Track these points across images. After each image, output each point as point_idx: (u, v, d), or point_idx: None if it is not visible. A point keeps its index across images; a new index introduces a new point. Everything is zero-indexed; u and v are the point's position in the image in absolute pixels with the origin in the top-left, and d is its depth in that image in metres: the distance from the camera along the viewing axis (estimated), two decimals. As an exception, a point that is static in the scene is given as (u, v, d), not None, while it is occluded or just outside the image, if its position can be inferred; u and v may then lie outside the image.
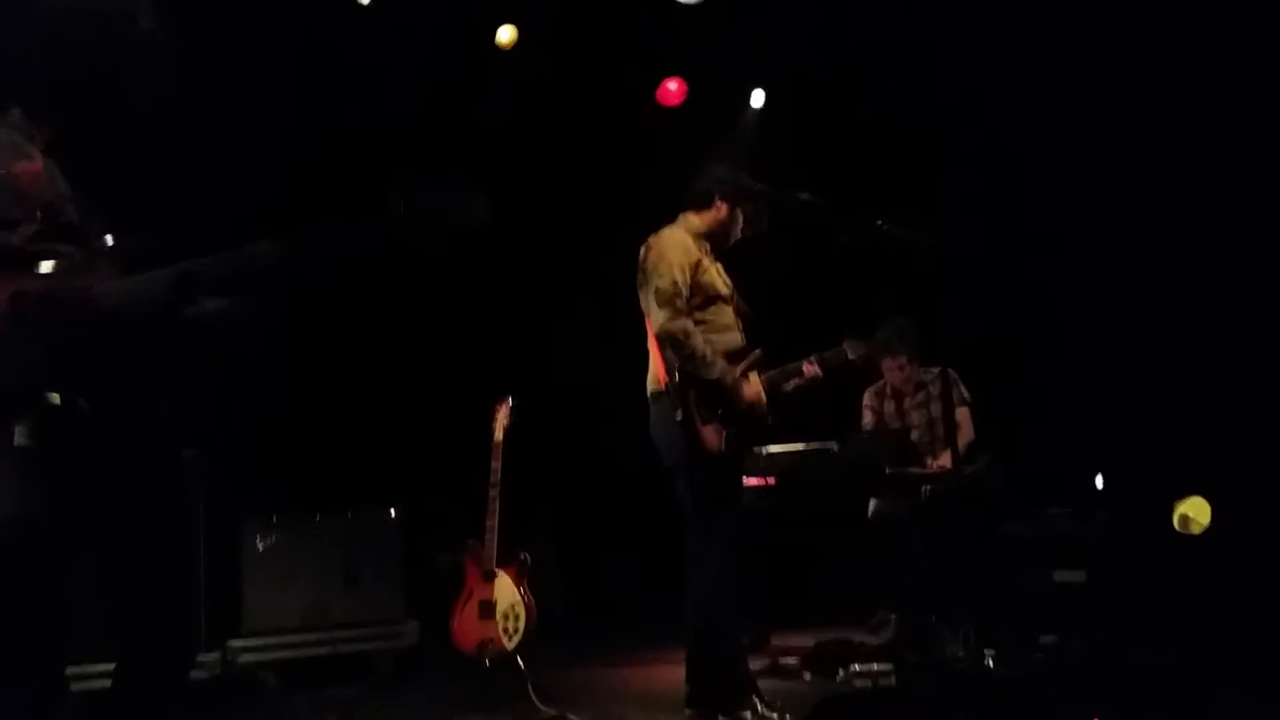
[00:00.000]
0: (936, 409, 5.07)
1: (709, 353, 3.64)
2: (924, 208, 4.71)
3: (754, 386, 3.77)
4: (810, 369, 4.08)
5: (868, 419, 5.28)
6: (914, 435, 5.10)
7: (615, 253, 4.17)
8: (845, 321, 4.47)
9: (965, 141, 6.08)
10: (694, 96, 6.44)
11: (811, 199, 3.81)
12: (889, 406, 5.22)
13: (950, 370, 5.01)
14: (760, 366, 3.85)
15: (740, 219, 3.93)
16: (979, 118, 5.99)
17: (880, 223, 3.79)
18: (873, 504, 5.01)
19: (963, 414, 5.06)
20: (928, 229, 3.57)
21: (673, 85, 6.42)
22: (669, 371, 3.67)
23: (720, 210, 3.90)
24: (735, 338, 3.83)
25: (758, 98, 6.60)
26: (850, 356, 4.27)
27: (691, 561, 3.69)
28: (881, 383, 5.25)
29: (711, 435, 3.62)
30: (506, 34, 5.89)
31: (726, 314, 3.84)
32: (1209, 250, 5.37)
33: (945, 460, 4.86)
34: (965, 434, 5.00)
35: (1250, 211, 5.20)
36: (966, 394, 5.08)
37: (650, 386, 3.83)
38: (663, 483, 3.87)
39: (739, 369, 3.73)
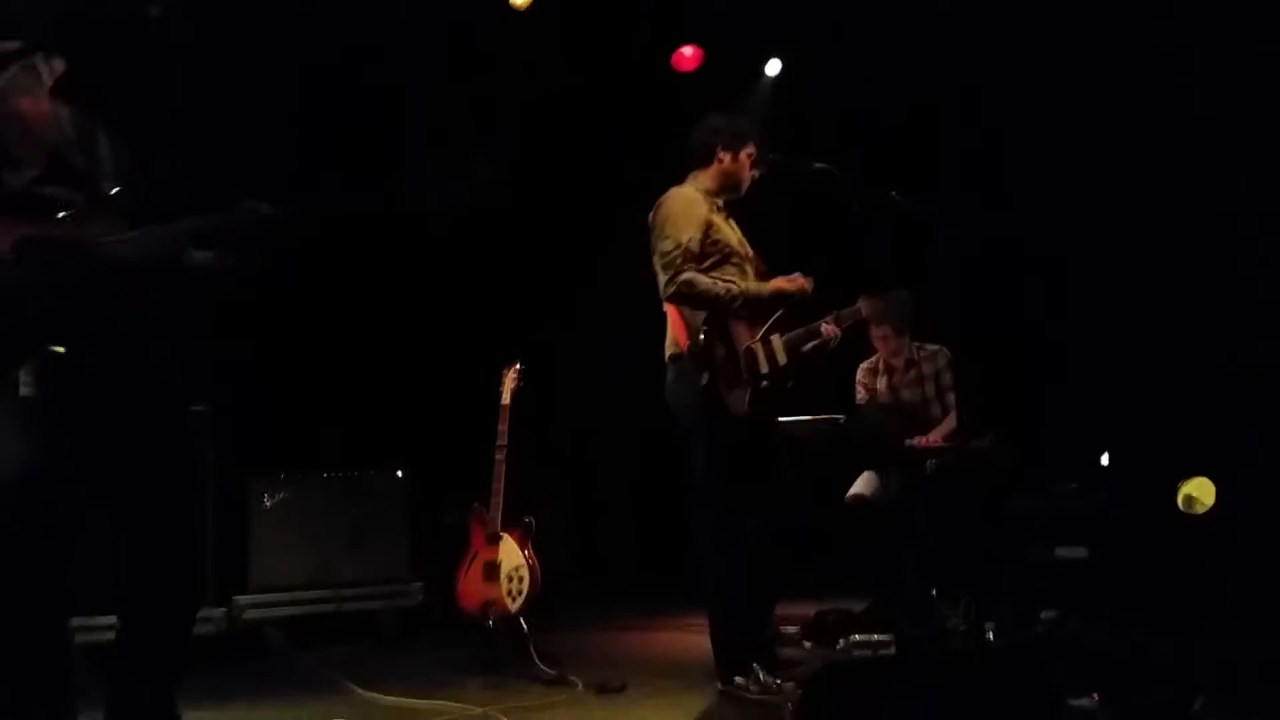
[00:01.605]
0: (930, 388, 5.06)
1: (720, 289, 3.61)
2: (934, 181, 4.69)
3: (776, 347, 3.73)
4: (829, 329, 3.97)
5: (860, 394, 5.25)
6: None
7: (624, 216, 4.16)
8: (851, 292, 4.45)
9: (979, 116, 6.03)
10: (709, 63, 6.39)
11: (824, 167, 3.80)
12: (880, 383, 5.19)
13: (945, 350, 5.03)
14: (782, 327, 3.80)
15: (746, 163, 3.88)
16: (990, 93, 5.94)
17: (893, 193, 3.78)
18: (863, 482, 4.99)
19: (950, 399, 5.04)
20: (937, 202, 3.56)
21: (688, 51, 6.36)
22: (691, 335, 3.64)
23: (723, 161, 3.86)
24: None
25: (773, 66, 6.54)
26: (865, 314, 4.17)
27: (700, 528, 3.69)
28: (875, 358, 5.22)
29: (735, 401, 3.60)
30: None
31: (744, 273, 3.79)
32: (1219, 226, 5.33)
33: (934, 438, 4.87)
34: (951, 419, 4.99)
35: (1257, 192, 5.16)
36: (954, 378, 5.05)
37: (669, 349, 3.79)
38: (672, 447, 3.86)
39: (759, 330, 3.70)
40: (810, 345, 3.97)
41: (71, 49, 2.27)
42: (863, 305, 4.19)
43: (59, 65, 2.26)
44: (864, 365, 5.25)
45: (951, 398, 5.03)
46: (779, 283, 3.77)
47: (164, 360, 2.34)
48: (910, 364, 5.12)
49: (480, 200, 2.25)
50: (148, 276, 2.22)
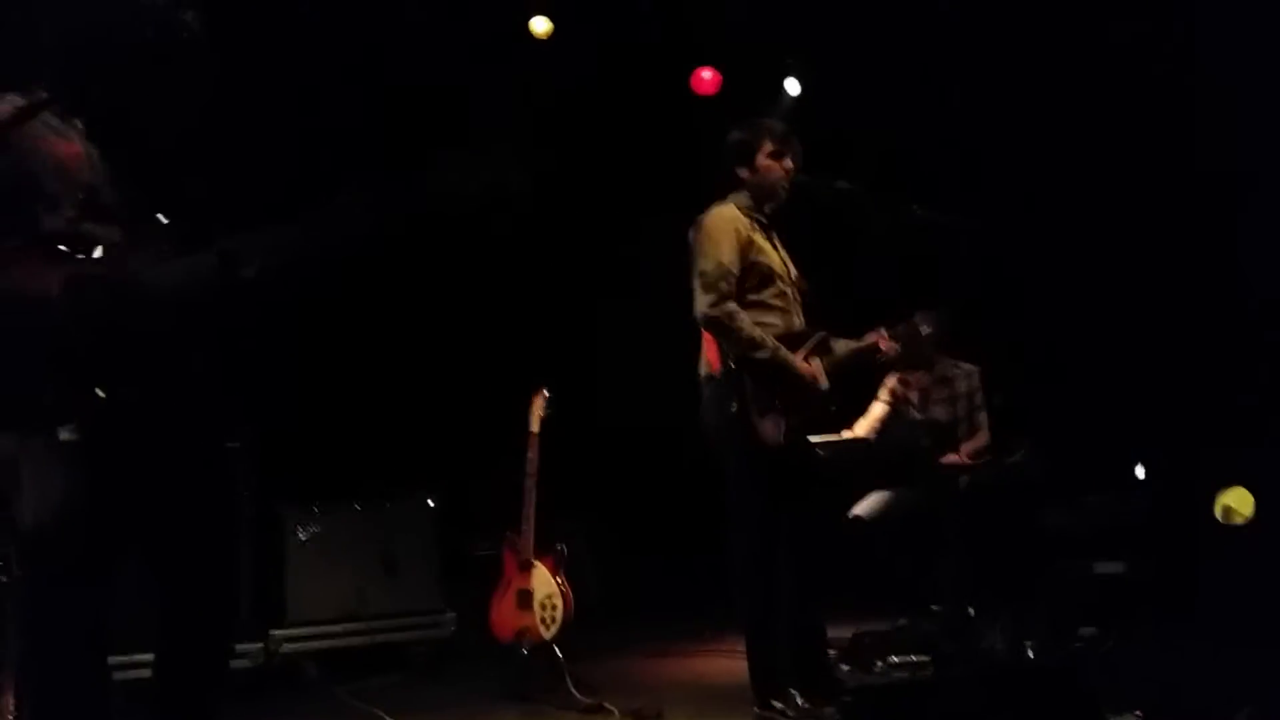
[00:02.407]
0: (963, 406, 5.01)
1: (758, 335, 3.53)
2: (960, 196, 4.67)
3: (815, 370, 3.66)
4: (887, 345, 3.84)
5: (880, 410, 5.14)
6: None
7: (651, 240, 4.15)
8: (877, 311, 4.43)
9: (1003, 131, 6.01)
10: (729, 85, 6.41)
11: (847, 186, 3.79)
12: (914, 395, 5.15)
13: (977, 369, 5.00)
14: (825, 348, 3.73)
15: (768, 166, 3.75)
16: (1015, 106, 5.93)
17: (916, 208, 3.75)
18: (862, 504, 4.94)
19: (984, 418, 5.01)
20: (962, 216, 3.54)
21: (707, 74, 6.39)
22: (722, 359, 3.58)
23: (746, 176, 3.78)
24: (793, 320, 3.72)
25: (793, 86, 6.56)
26: (925, 331, 4.06)
27: (734, 551, 3.67)
28: (904, 372, 5.17)
29: (770, 427, 3.54)
30: (542, 25, 5.89)
31: (784, 294, 3.72)
32: (1254, 238, 5.28)
33: (965, 454, 4.83)
34: (982, 437, 4.96)
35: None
36: (986, 397, 5.03)
37: (702, 370, 3.73)
38: (703, 469, 3.82)
39: (800, 353, 3.63)
40: (864, 358, 3.87)
41: (95, 92, 2.29)
42: (919, 319, 4.09)
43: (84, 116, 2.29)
44: (895, 375, 5.18)
45: (981, 416, 5.00)
46: (803, 366, 3.64)
47: (206, 396, 2.34)
48: (944, 380, 5.09)
49: (512, 192, 2.24)
50: (188, 308, 2.23)
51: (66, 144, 2.23)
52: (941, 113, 6.03)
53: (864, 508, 4.89)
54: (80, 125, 2.27)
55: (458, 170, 2.22)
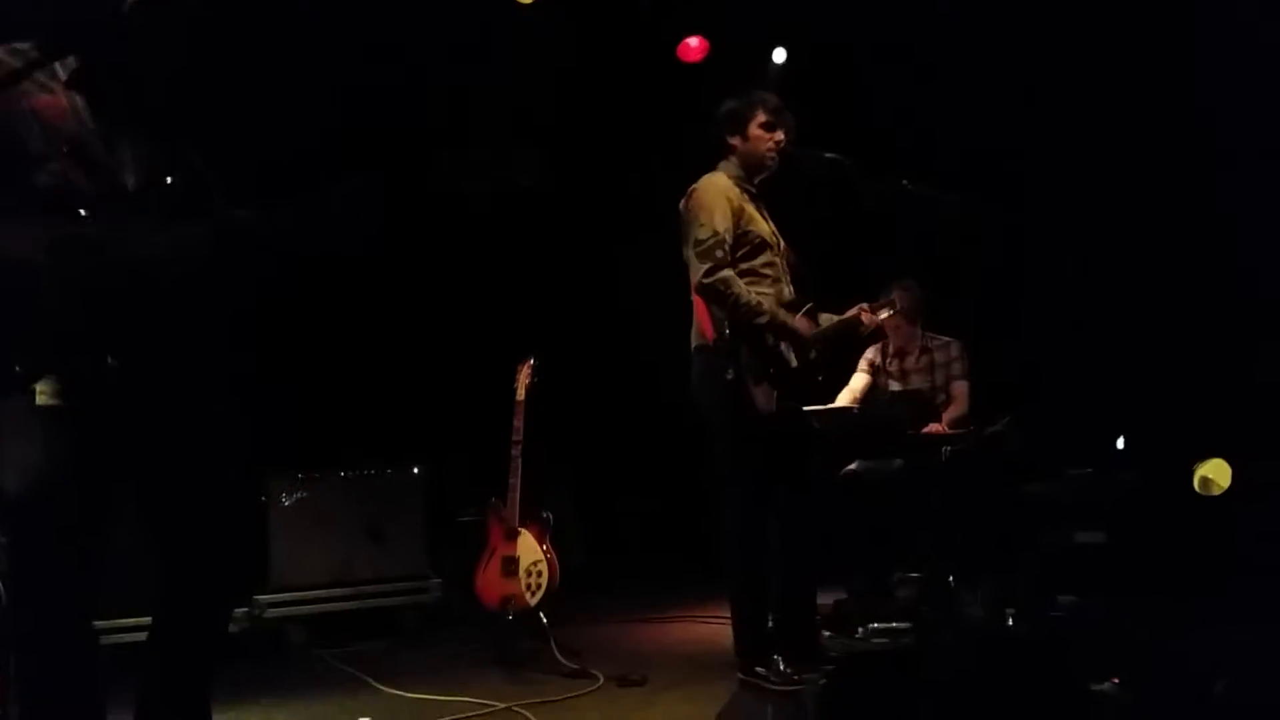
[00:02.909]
0: (940, 376, 5.06)
1: (754, 300, 3.56)
2: (948, 169, 4.68)
3: (811, 330, 3.71)
4: (870, 318, 3.92)
5: (861, 375, 5.20)
6: None
7: (634, 210, 4.15)
8: (862, 282, 4.44)
9: (991, 103, 6.01)
10: (715, 53, 6.37)
11: (835, 157, 3.79)
12: (892, 365, 5.19)
13: (958, 342, 5.04)
14: (813, 318, 3.77)
15: (759, 137, 3.78)
16: (998, 84, 5.92)
17: (905, 182, 3.76)
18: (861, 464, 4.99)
19: (961, 387, 5.05)
20: (948, 190, 3.54)
21: (694, 42, 6.35)
22: (717, 328, 3.59)
23: (736, 145, 3.81)
24: (784, 290, 3.76)
25: (779, 55, 6.52)
26: (899, 306, 4.12)
27: (725, 520, 3.69)
28: (883, 343, 5.22)
29: (763, 395, 3.58)
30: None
31: (774, 263, 3.75)
32: (1227, 214, 5.31)
33: (945, 423, 4.88)
34: (960, 406, 4.99)
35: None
36: (967, 368, 5.07)
37: (694, 340, 3.75)
38: (688, 438, 3.84)
39: (795, 321, 3.68)
40: (851, 330, 3.94)
41: (81, 41, 2.25)
42: (897, 296, 4.20)
43: (71, 60, 2.25)
44: (874, 346, 5.23)
45: (957, 387, 5.04)
46: (802, 324, 3.71)
47: (196, 363, 2.33)
48: (924, 351, 5.13)
49: (522, 189, 2.23)
50: (178, 278, 2.21)
51: (49, 97, 2.19)
52: (934, 87, 6.02)
53: (861, 464, 4.94)
54: (62, 75, 2.23)
55: (465, 169, 2.21)
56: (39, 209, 2.12)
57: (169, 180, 2.27)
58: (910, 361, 5.14)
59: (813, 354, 3.71)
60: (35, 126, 2.15)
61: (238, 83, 4.33)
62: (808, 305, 3.76)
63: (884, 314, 3.99)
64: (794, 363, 3.67)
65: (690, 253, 3.63)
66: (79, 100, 2.22)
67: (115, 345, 2.13)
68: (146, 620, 2.36)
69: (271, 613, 4.69)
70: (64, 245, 2.09)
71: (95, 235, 2.13)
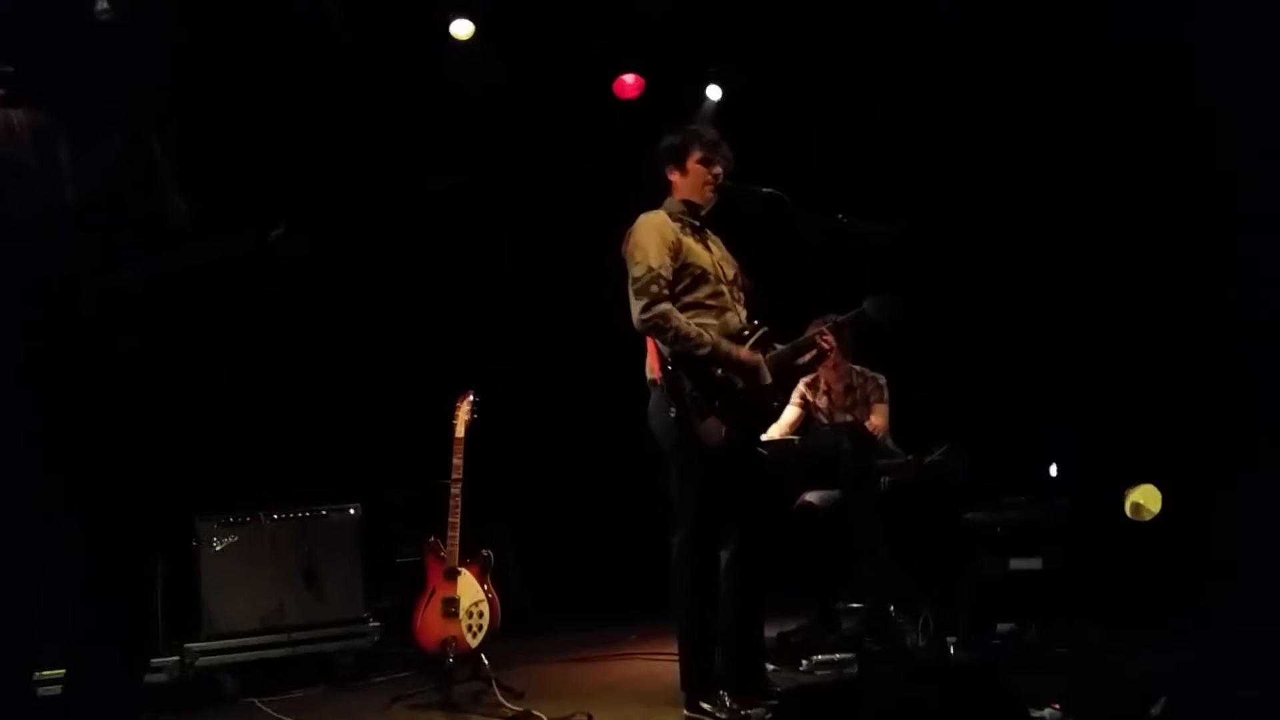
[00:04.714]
0: (862, 414, 5.09)
1: (694, 332, 3.57)
2: (883, 202, 4.75)
3: (758, 360, 3.68)
4: (825, 340, 3.90)
5: (793, 409, 5.19)
6: None
7: (576, 244, 4.15)
8: (800, 315, 4.46)
9: (930, 135, 6.13)
10: (650, 90, 6.43)
11: (772, 192, 3.83)
12: (822, 401, 5.22)
13: (881, 377, 5.10)
14: (767, 344, 3.77)
15: (697, 172, 3.81)
16: (944, 111, 6.05)
17: (841, 216, 3.81)
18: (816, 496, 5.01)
19: (880, 410, 5.08)
20: (888, 222, 3.58)
21: (629, 79, 6.41)
22: (662, 365, 3.61)
23: (676, 179, 3.85)
24: (731, 318, 3.75)
25: (714, 92, 6.60)
26: (872, 317, 3.95)
27: (674, 553, 3.67)
28: (814, 376, 5.22)
29: (710, 429, 3.57)
30: (463, 28, 5.84)
31: (720, 293, 3.76)
32: (1164, 242, 5.45)
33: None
34: (878, 429, 5.01)
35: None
36: (887, 398, 5.11)
37: (648, 374, 3.76)
38: (632, 473, 3.81)
39: (740, 350, 3.67)
40: (807, 358, 3.94)
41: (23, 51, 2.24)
42: (869, 307, 3.97)
43: (6, 70, 2.22)
44: (804, 381, 5.24)
45: (878, 407, 5.06)
46: (745, 354, 3.67)
47: (124, 392, 2.30)
48: (849, 389, 5.16)
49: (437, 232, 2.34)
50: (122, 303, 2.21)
51: None
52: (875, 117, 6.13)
53: (815, 495, 4.95)
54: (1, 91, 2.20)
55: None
56: None
57: (115, 187, 2.25)
58: (837, 398, 5.17)
59: (767, 380, 3.71)
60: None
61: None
62: (760, 332, 3.76)
63: (839, 334, 3.97)
64: (743, 386, 3.66)
65: (630, 291, 3.66)
66: (15, 114, 2.20)
67: (48, 370, 2.11)
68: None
69: (203, 661, 4.56)
70: None
71: (30, 257, 2.14)
